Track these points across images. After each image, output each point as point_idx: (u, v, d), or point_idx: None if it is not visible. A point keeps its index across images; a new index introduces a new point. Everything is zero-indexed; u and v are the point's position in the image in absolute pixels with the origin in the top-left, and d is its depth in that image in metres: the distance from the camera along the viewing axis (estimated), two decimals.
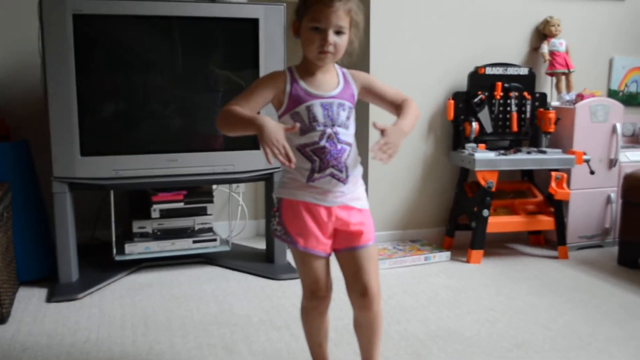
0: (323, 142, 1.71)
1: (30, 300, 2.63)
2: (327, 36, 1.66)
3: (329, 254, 1.81)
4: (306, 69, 1.77)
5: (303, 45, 1.73)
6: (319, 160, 1.72)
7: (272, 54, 2.88)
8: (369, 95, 1.85)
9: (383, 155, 1.64)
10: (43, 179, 2.85)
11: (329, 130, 1.72)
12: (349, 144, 1.76)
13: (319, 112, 1.72)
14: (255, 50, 2.86)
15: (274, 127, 1.61)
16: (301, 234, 1.76)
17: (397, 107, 1.83)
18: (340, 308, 2.34)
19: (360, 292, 1.79)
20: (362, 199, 1.82)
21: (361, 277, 1.78)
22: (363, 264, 1.78)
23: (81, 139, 2.67)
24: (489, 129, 3.46)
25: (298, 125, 1.68)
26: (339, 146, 1.73)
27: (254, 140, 2.86)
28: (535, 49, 3.71)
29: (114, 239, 2.93)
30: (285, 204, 1.78)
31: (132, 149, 2.78)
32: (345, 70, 1.83)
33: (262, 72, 2.86)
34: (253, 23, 2.85)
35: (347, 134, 1.76)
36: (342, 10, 1.66)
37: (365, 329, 1.87)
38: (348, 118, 1.76)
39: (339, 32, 1.68)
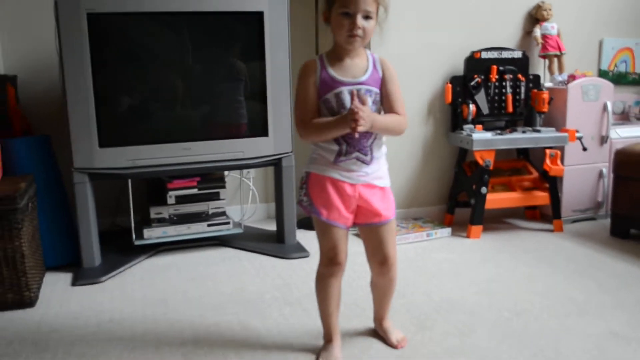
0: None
1: (56, 285, 2.64)
2: (356, 20, 1.70)
3: (349, 227, 1.87)
4: (336, 54, 1.81)
5: (333, 31, 1.76)
6: (345, 144, 1.79)
7: (277, 45, 2.86)
8: (382, 92, 1.86)
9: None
10: (65, 170, 2.85)
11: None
12: None
13: (346, 99, 1.76)
14: (260, 42, 2.85)
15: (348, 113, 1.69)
16: (325, 206, 1.82)
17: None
18: (349, 284, 2.35)
19: (380, 261, 1.93)
20: (384, 178, 1.88)
21: (381, 249, 1.90)
22: (383, 237, 1.89)
23: (99, 131, 2.67)
24: (485, 110, 3.44)
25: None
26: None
27: (262, 128, 2.90)
28: (528, 32, 3.68)
29: (133, 225, 2.94)
30: (312, 178, 1.85)
31: (148, 139, 2.78)
32: (376, 56, 1.86)
33: (269, 63, 2.86)
34: (258, 16, 2.83)
35: None
36: None
37: (380, 290, 2.03)
38: (374, 103, 1.80)
39: (367, 17, 1.72)
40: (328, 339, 1.97)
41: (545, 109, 3.40)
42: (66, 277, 2.73)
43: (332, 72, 1.78)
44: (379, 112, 1.83)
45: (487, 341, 2.04)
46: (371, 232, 1.90)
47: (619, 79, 4.02)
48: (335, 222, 1.83)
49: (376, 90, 1.80)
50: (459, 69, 3.46)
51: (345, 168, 1.80)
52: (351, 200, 1.82)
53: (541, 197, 3.38)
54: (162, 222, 3.02)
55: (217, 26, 2.85)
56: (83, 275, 2.70)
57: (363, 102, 1.73)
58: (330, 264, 1.88)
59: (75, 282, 2.65)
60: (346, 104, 1.75)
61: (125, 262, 2.85)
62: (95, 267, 2.78)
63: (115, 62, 2.75)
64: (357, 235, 2.00)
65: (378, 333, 2.08)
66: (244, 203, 3.58)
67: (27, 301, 2.39)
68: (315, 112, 1.79)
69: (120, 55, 2.76)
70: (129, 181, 2.89)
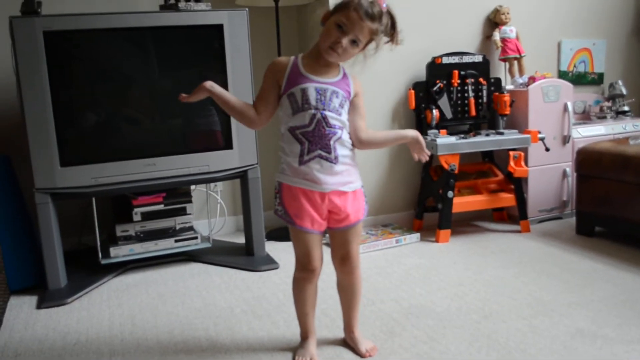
0: (312, 127, 1.79)
1: (21, 308, 2.59)
2: (342, 39, 1.73)
3: (322, 232, 1.91)
4: (313, 55, 1.83)
5: (321, 35, 1.78)
6: (307, 142, 1.80)
7: (238, 57, 2.85)
8: (351, 104, 1.89)
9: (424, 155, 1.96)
10: (26, 191, 2.80)
11: (318, 115, 1.78)
12: (340, 127, 1.83)
13: (312, 95, 1.79)
14: (222, 54, 2.84)
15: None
16: (297, 215, 1.86)
17: (355, 133, 1.89)
18: (318, 294, 2.33)
19: (341, 257, 1.97)
20: (354, 182, 1.90)
21: (344, 246, 1.96)
22: (347, 238, 1.95)
23: (60, 150, 2.63)
24: (448, 115, 3.47)
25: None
26: (327, 130, 1.80)
27: (226, 140, 2.88)
28: (487, 37, 3.72)
29: (98, 243, 2.89)
30: (285, 188, 1.87)
31: (110, 157, 2.74)
32: (347, 70, 1.89)
33: (230, 74, 2.84)
34: (218, 29, 2.82)
35: (338, 119, 1.82)
36: (367, 28, 1.73)
37: (346, 292, 2.04)
38: (341, 106, 1.83)
39: (354, 42, 1.75)
40: (304, 336, 2.04)
41: (507, 111, 3.43)
42: (31, 300, 2.67)
43: (303, 69, 1.81)
44: (347, 114, 1.86)
45: (456, 345, 2.05)
46: (338, 234, 1.95)
47: (579, 79, 4.09)
48: (308, 229, 1.87)
49: (343, 93, 1.83)
50: (421, 74, 3.49)
51: (313, 176, 1.81)
52: (322, 207, 1.86)
53: (507, 199, 3.41)
54: (128, 239, 2.98)
55: (177, 41, 2.83)
56: (49, 298, 2.64)
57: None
58: (303, 269, 1.94)
59: (40, 305, 2.59)
60: (310, 100, 1.78)
61: (92, 282, 2.80)
62: (61, 289, 2.73)
63: (75, 79, 2.71)
64: (326, 244, 2.01)
65: (348, 343, 2.08)
66: (212, 217, 3.56)
67: None
68: (263, 104, 1.84)
69: (80, 72, 2.73)
70: (93, 199, 2.85)
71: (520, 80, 3.59)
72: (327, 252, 1.99)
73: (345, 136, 1.85)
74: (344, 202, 1.87)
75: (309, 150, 1.80)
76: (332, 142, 1.81)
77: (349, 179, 1.88)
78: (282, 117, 1.85)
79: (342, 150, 1.84)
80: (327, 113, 1.79)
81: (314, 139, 1.80)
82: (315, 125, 1.79)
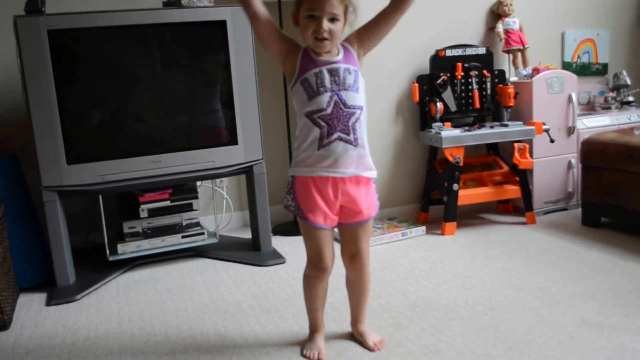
0: (330, 110, 1.77)
1: (30, 306, 2.61)
2: (322, 23, 1.71)
3: (334, 227, 1.91)
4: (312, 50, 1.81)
5: (302, 34, 1.77)
6: (327, 125, 1.78)
7: (242, 52, 2.86)
8: (367, 37, 1.87)
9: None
10: (34, 189, 2.81)
11: (335, 97, 1.77)
12: (359, 107, 1.81)
13: (326, 78, 1.77)
14: (225, 50, 2.84)
15: None
16: (310, 210, 1.84)
17: (389, 10, 1.87)
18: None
19: (351, 254, 1.96)
20: (373, 169, 1.91)
21: (354, 243, 1.94)
22: (358, 235, 1.94)
23: (66, 148, 2.64)
24: (453, 107, 3.47)
25: None
26: (345, 111, 1.78)
27: (231, 136, 2.89)
28: (491, 29, 3.72)
29: (106, 240, 2.91)
30: (298, 182, 1.85)
31: (116, 154, 2.75)
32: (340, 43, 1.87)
33: (234, 70, 2.85)
34: (221, 25, 2.82)
35: (356, 97, 1.81)
36: None
37: (355, 287, 2.04)
38: (356, 81, 1.81)
39: (333, 19, 1.73)
40: (313, 330, 2.05)
41: (512, 103, 3.43)
42: (41, 297, 2.69)
43: (313, 54, 1.79)
44: (364, 90, 1.84)
45: (463, 337, 2.06)
46: (349, 230, 1.94)
47: (583, 70, 4.09)
48: (320, 225, 1.85)
49: (354, 68, 1.82)
50: (425, 67, 3.48)
51: (332, 160, 1.79)
52: (335, 203, 1.84)
53: (512, 191, 3.41)
54: (135, 236, 2.99)
55: (181, 37, 2.83)
56: (58, 295, 2.66)
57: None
58: (315, 267, 1.93)
59: (50, 302, 2.61)
60: (325, 83, 1.77)
61: (100, 279, 2.81)
62: (70, 286, 2.74)
63: (80, 77, 2.71)
64: (336, 240, 2.01)
65: (355, 337, 2.08)
66: (218, 212, 3.57)
67: (0, 324, 2.35)
68: (268, 19, 1.76)
69: (85, 70, 2.73)
70: (100, 197, 2.86)
71: (524, 72, 3.59)
72: (336, 249, 2.00)
73: (362, 117, 1.82)
74: (358, 193, 1.86)
75: (328, 133, 1.77)
76: (350, 123, 1.79)
77: (370, 164, 1.88)
78: (298, 106, 1.82)
79: (361, 133, 1.82)
80: (344, 93, 1.78)
81: (332, 122, 1.77)
82: (333, 108, 1.77)
